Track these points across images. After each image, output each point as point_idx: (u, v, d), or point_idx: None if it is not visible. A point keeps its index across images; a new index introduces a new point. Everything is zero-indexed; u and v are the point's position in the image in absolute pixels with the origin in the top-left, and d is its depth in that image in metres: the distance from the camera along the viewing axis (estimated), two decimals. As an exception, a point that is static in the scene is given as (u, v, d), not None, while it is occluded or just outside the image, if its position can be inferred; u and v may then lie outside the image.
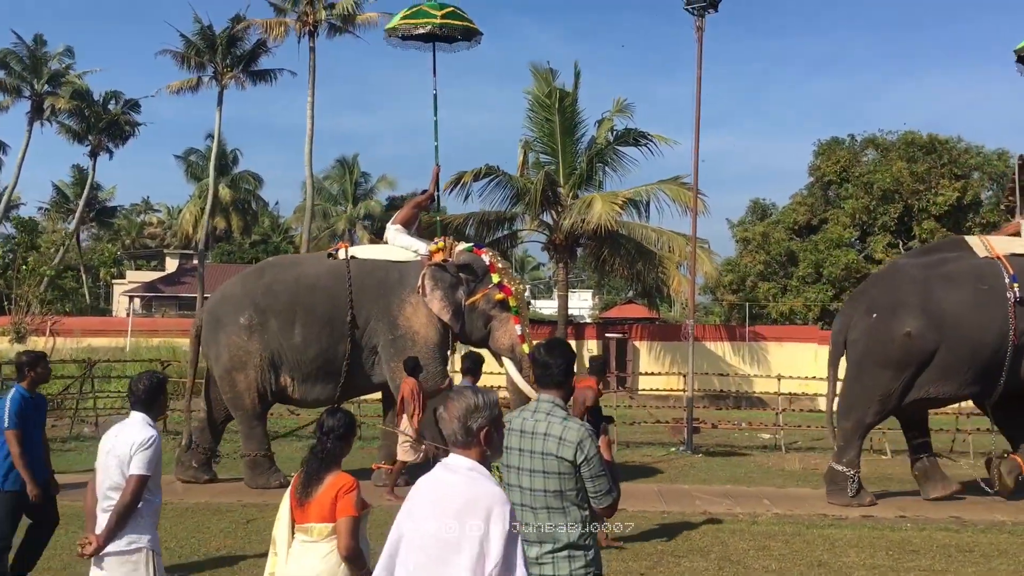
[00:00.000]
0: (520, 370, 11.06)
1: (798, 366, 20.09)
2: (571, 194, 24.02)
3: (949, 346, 10.29)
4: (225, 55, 34.62)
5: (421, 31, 12.41)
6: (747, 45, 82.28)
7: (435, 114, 12.92)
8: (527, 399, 9.87)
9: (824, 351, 24.77)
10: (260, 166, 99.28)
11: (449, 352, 11.63)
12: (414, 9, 12.56)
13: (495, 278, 11.44)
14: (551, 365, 3.79)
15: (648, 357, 25.05)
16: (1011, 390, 10.52)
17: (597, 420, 7.90)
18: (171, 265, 48.65)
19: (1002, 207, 30.28)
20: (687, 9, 15.69)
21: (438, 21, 12.26)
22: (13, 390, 6.37)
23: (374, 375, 11.57)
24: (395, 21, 12.82)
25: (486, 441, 3.11)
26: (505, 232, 25.37)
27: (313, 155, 32.59)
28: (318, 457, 4.26)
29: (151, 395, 4.77)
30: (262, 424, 11.46)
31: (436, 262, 11.31)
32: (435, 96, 12.92)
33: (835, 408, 10.92)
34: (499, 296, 11.39)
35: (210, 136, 39.16)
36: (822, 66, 75.87)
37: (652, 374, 19.90)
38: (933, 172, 33.30)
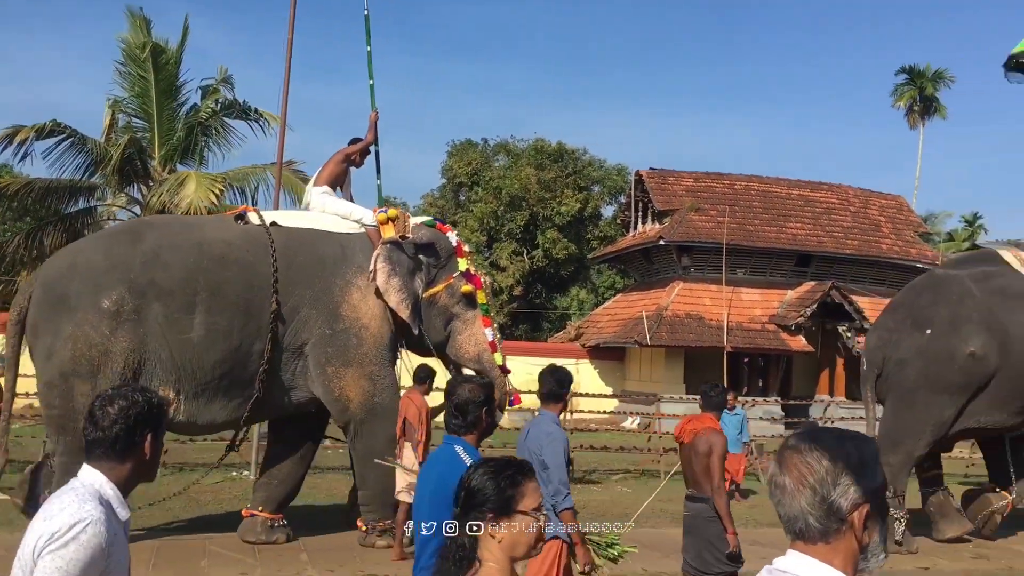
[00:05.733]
0: None
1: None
2: (167, 167, 20.62)
3: (1009, 372, 9.13)
4: None
5: None
6: (411, 63, 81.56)
7: (368, 42, 10.07)
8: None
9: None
10: None
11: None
12: None
13: (462, 264, 8.96)
14: None
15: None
16: None
17: None
18: None
19: (618, 221, 31.22)
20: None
21: None
22: None
23: (295, 389, 8.41)
24: None
25: (863, 533, 1.54)
26: (81, 207, 21.07)
27: None
28: None
29: (129, 433, 2.38)
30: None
31: (391, 238, 8.50)
32: (367, 17, 10.11)
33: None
34: (466, 288, 8.83)
35: None
36: (475, 91, 77.70)
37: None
38: (559, 181, 33.89)
